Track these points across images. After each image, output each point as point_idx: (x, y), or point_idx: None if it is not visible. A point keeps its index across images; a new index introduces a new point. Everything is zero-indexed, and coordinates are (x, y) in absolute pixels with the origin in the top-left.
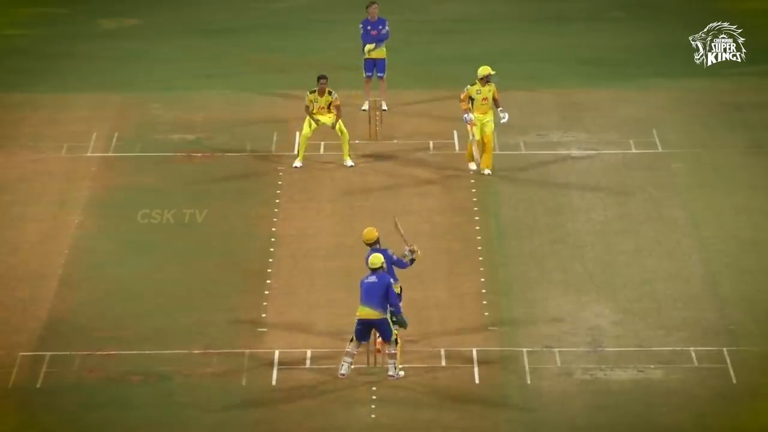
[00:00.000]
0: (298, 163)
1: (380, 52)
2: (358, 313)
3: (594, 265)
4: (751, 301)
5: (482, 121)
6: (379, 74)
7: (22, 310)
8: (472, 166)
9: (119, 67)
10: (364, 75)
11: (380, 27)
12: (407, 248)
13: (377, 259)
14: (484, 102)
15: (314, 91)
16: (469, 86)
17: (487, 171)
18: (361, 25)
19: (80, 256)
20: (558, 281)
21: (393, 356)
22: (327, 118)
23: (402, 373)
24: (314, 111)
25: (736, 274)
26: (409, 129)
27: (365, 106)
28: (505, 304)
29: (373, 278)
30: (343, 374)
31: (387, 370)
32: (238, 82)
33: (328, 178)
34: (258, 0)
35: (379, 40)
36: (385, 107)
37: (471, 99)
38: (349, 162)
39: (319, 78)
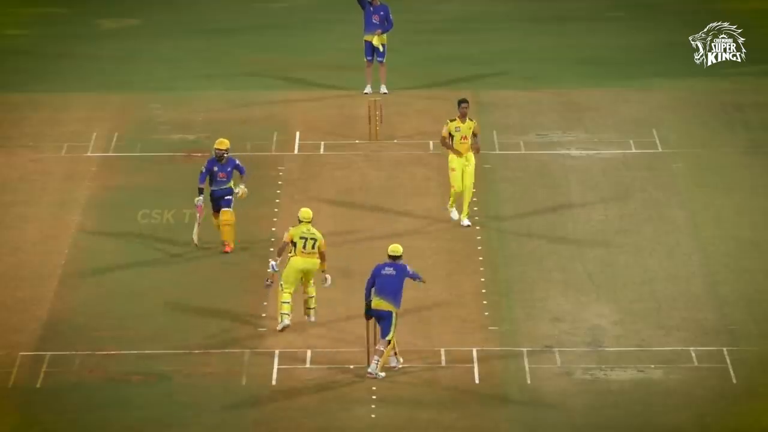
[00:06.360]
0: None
1: (381, 39)
2: (373, 305)
3: (594, 265)
4: (751, 301)
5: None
6: (378, 59)
7: (22, 310)
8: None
9: (119, 67)
10: (365, 59)
11: (381, 13)
12: None
13: (398, 248)
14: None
15: (454, 119)
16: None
17: (465, 222)
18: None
19: (80, 256)
20: (558, 281)
21: (380, 353)
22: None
23: (383, 374)
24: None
25: (736, 274)
26: (409, 129)
27: (367, 90)
28: (505, 304)
29: (390, 270)
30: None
31: (368, 365)
32: (238, 82)
33: (329, 178)
34: (258, 0)
35: (384, 30)
36: (385, 90)
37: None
38: (465, 221)
39: (460, 102)
